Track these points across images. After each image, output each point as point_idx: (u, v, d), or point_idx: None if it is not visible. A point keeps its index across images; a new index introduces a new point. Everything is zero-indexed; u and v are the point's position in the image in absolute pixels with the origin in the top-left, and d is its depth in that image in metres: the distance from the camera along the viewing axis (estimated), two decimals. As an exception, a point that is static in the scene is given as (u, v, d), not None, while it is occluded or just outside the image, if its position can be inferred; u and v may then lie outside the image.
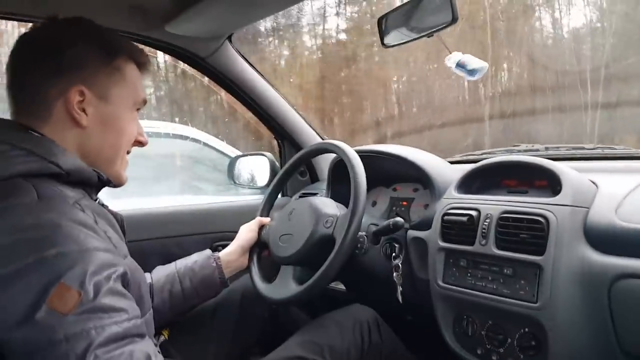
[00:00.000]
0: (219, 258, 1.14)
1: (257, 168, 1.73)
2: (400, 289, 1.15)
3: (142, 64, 0.85)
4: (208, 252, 1.16)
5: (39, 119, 0.75)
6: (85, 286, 0.60)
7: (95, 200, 0.83)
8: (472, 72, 1.26)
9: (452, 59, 1.27)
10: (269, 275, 1.19)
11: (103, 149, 0.80)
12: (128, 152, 0.88)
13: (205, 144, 2.63)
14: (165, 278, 1.10)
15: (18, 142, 0.70)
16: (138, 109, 0.86)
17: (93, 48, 0.78)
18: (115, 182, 0.85)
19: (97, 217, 0.73)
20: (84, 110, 0.76)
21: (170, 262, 1.16)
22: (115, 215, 0.84)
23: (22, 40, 0.78)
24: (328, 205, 1.16)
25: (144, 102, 0.87)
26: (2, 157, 0.69)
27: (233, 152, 2.40)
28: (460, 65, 1.26)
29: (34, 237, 0.62)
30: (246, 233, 1.20)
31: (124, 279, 0.69)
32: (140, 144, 0.88)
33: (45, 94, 0.75)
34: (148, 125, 2.80)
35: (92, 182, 0.79)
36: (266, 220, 1.25)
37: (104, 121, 0.79)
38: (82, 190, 0.77)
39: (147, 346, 0.65)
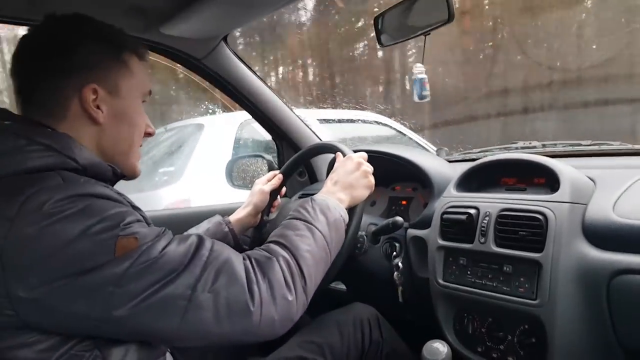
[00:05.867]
0: (229, 222, 1.18)
1: (255, 170, 1.73)
2: (401, 288, 1.15)
3: (143, 54, 0.86)
4: (218, 217, 1.19)
5: (55, 118, 0.76)
6: (137, 230, 0.66)
7: None
8: (421, 94, 1.31)
9: (420, 70, 1.31)
10: None
11: (118, 143, 0.82)
12: (140, 146, 0.88)
13: (392, 128, 3.60)
14: None
15: (36, 137, 0.71)
16: (144, 101, 0.87)
17: (101, 45, 0.78)
18: (130, 175, 0.86)
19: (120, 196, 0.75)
20: (98, 107, 0.77)
21: None
22: (133, 206, 0.85)
23: (25, 42, 0.77)
24: None
25: (150, 93, 0.88)
26: (21, 151, 0.69)
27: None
28: (419, 81, 1.30)
29: (71, 210, 0.63)
30: (259, 195, 1.24)
31: None
32: (149, 135, 0.89)
33: (60, 94, 0.75)
34: (350, 114, 3.87)
35: (107, 176, 0.80)
36: (276, 181, 1.27)
37: (117, 116, 0.80)
38: None
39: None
